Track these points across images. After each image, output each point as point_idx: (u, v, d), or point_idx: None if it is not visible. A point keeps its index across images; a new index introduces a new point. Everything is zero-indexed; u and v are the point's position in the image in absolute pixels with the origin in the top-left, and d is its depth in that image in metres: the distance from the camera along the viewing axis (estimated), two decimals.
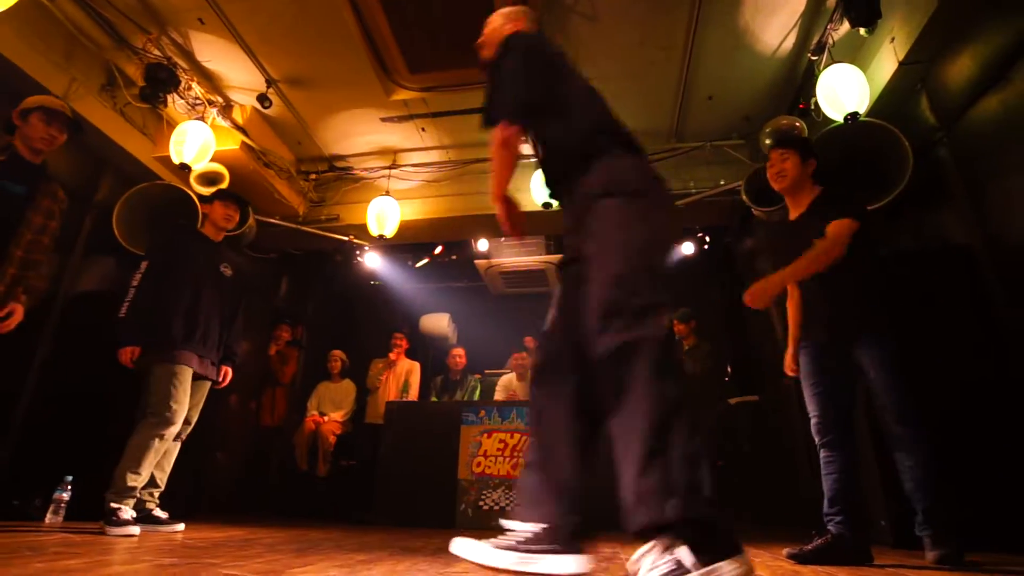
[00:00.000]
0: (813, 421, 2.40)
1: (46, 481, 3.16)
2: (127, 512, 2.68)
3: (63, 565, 1.52)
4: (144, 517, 2.86)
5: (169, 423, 2.87)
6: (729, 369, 5.88)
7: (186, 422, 3.08)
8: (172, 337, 2.98)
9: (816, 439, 2.39)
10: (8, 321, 2.49)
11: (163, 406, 2.85)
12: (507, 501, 4.04)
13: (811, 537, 2.27)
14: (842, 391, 2.37)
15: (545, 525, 1.38)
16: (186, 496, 4.10)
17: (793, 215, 2.59)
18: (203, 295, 3.15)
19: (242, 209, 3.61)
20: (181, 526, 2.94)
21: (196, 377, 3.09)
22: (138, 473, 2.78)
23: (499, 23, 2.03)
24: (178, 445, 3.09)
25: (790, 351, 2.61)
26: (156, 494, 3.00)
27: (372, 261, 6.19)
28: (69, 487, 3.13)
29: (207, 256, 3.28)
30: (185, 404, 2.96)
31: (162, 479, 3.03)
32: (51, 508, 3.06)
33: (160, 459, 2.99)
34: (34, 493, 3.27)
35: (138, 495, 2.83)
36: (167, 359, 2.94)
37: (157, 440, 2.85)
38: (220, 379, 3.30)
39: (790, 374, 2.63)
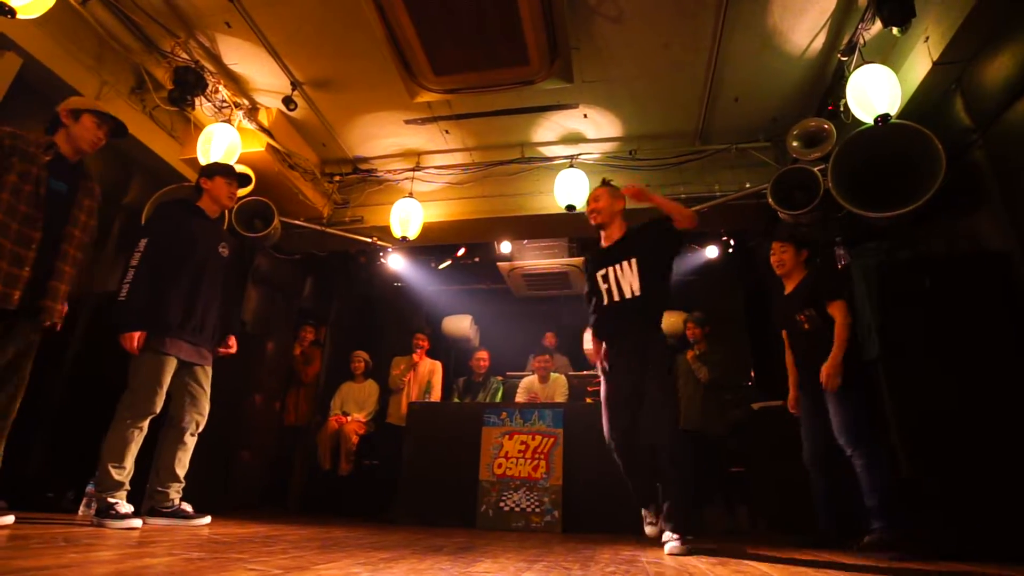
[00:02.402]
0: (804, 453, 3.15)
1: (78, 475, 3.22)
2: (124, 506, 2.63)
3: (96, 556, 1.55)
4: (173, 512, 2.90)
5: (149, 414, 2.80)
6: (752, 374, 5.80)
7: (199, 414, 3.03)
8: (167, 323, 2.85)
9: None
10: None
11: (144, 396, 2.78)
12: (527, 503, 4.04)
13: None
14: (822, 430, 2.99)
15: None
16: (211, 493, 4.15)
17: (787, 291, 3.29)
18: (203, 279, 3.00)
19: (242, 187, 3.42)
20: (207, 519, 2.96)
21: (194, 364, 3.01)
22: (122, 467, 2.71)
23: None
24: (194, 440, 3.05)
25: (792, 394, 3.29)
26: (180, 489, 3.00)
27: (395, 263, 6.24)
28: None
29: (207, 236, 3.10)
30: (163, 395, 2.86)
31: (182, 474, 3.00)
32: (84, 501, 3.11)
33: (179, 454, 2.99)
34: (67, 487, 3.35)
35: (128, 488, 2.74)
36: (155, 346, 2.82)
37: (136, 431, 2.77)
38: (229, 347, 3.21)
39: (794, 413, 3.28)
